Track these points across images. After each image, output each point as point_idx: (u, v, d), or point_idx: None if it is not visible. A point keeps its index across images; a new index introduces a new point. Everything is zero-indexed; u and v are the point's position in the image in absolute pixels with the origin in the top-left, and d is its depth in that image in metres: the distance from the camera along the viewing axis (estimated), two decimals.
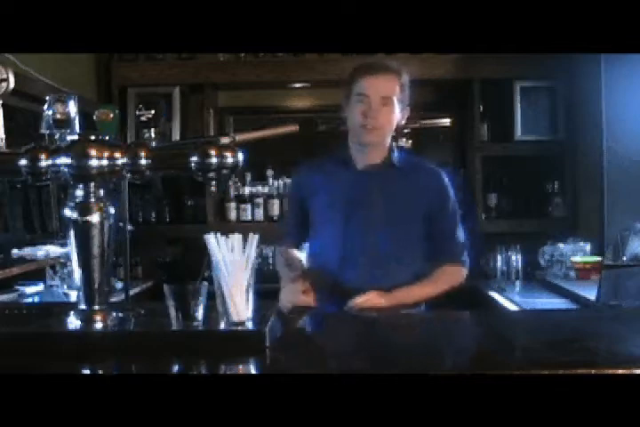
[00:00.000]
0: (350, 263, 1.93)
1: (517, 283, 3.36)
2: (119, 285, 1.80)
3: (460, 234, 2.03)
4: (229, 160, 1.31)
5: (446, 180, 1.99)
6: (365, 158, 1.97)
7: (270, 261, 3.61)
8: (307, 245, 2.11)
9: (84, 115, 1.37)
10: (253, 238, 1.29)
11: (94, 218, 1.29)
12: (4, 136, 1.37)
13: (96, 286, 1.31)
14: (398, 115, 1.92)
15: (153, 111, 3.65)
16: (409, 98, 1.94)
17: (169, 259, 3.77)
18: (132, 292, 2.08)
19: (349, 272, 1.92)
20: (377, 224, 1.94)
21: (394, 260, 1.94)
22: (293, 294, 1.85)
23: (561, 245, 3.29)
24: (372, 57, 2.88)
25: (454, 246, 2.02)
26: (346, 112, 1.95)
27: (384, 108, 1.87)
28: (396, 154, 2.00)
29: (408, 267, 1.95)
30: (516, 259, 3.43)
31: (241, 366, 1.21)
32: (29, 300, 2.51)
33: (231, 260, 1.26)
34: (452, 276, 2.04)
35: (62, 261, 2.75)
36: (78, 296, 1.33)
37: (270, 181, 3.74)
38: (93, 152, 1.27)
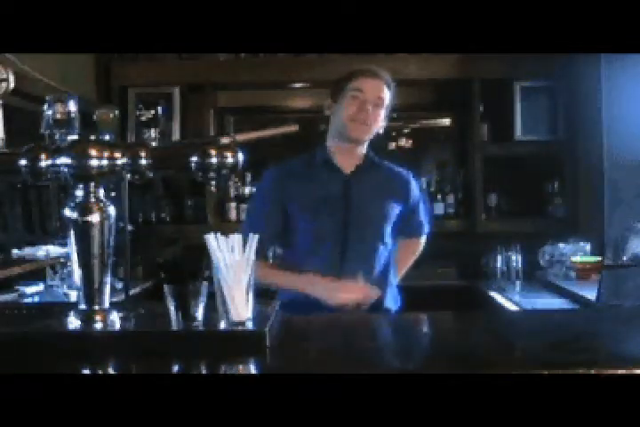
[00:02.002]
0: (351, 264, 1.94)
1: (517, 283, 3.36)
2: (119, 285, 1.80)
3: (423, 213, 2.18)
4: (229, 160, 1.31)
5: (411, 177, 2.13)
6: (347, 160, 1.99)
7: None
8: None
9: (84, 115, 1.37)
10: (253, 238, 1.29)
11: (94, 218, 1.29)
12: (3, 136, 1.37)
13: (96, 285, 1.30)
14: (383, 121, 1.99)
15: (153, 111, 3.65)
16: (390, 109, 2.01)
17: (169, 259, 3.77)
18: (131, 292, 2.07)
19: (350, 272, 1.92)
20: (369, 224, 1.98)
21: (381, 256, 2.02)
22: (356, 292, 1.85)
23: (561, 245, 3.29)
24: (370, 58, 2.90)
25: (420, 226, 2.18)
26: (333, 109, 1.99)
27: (375, 109, 1.94)
28: (371, 155, 2.04)
29: (388, 261, 2.06)
30: (516, 259, 3.43)
31: (241, 366, 1.21)
32: (29, 300, 2.51)
33: (231, 260, 1.26)
34: (415, 247, 2.22)
35: (62, 261, 2.75)
36: (78, 296, 1.33)
37: None
38: (93, 152, 1.27)
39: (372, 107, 1.92)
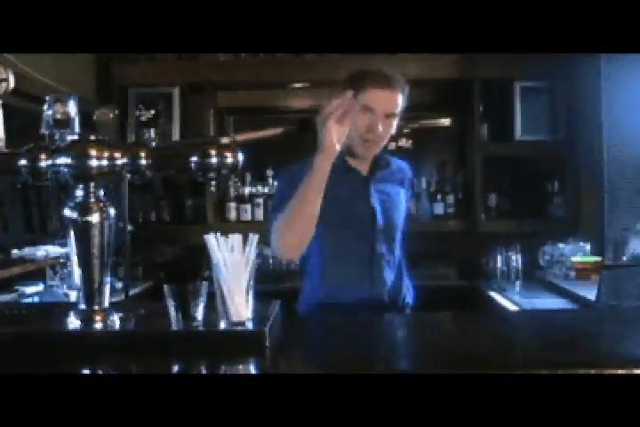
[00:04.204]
0: (380, 261, 1.94)
1: (517, 283, 3.35)
2: (119, 285, 1.80)
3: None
4: (229, 160, 1.31)
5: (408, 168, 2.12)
6: (362, 162, 1.98)
7: (270, 261, 3.61)
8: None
9: (84, 115, 1.37)
10: (253, 238, 1.29)
11: (94, 218, 1.29)
12: (3, 136, 1.37)
13: (96, 285, 1.31)
14: (395, 127, 1.92)
15: (153, 111, 3.66)
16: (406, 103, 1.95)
17: (169, 259, 3.77)
18: (131, 292, 2.07)
19: (378, 269, 1.93)
20: (392, 221, 1.97)
21: (399, 250, 2.02)
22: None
23: (561, 245, 3.29)
24: (370, 58, 2.88)
25: None
26: None
27: (387, 121, 1.85)
28: (381, 153, 2.01)
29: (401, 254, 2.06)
30: (516, 259, 3.43)
31: (241, 366, 1.21)
32: (29, 300, 2.51)
33: (231, 260, 1.26)
34: None
35: (62, 261, 2.75)
36: (78, 296, 1.33)
37: (270, 181, 3.74)
38: (93, 152, 1.27)
39: (382, 122, 1.83)
